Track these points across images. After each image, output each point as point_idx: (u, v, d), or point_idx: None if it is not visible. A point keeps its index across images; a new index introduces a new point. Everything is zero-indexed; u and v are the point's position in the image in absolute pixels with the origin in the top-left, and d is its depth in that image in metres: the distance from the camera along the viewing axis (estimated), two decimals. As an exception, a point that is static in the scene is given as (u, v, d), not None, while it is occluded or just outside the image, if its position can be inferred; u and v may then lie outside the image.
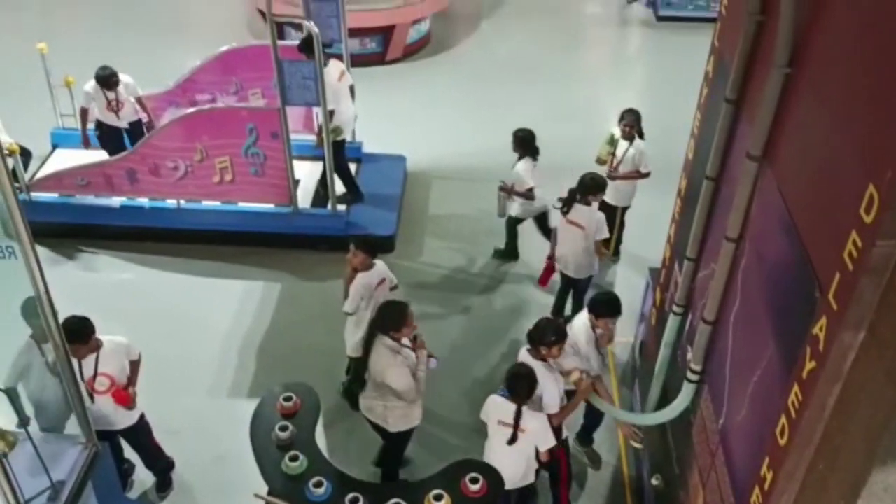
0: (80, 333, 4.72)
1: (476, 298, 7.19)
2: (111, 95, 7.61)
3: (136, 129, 7.89)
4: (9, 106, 7.51)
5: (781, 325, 3.25)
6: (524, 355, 4.82)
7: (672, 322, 4.77)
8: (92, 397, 4.84)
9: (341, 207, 7.65)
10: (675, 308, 4.73)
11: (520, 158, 6.98)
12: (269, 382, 6.16)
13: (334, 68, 7.40)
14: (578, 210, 6.22)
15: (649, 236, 6.46)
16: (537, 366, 4.63)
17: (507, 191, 7.06)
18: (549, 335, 4.68)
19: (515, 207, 7.17)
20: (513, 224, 7.38)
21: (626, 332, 6.67)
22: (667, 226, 5.63)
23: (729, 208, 3.83)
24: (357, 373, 5.21)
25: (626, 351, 6.61)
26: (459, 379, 6.31)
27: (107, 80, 7.52)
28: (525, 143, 6.98)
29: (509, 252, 7.53)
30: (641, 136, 7.12)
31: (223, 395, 6.25)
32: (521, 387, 4.45)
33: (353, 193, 7.98)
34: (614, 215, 7.19)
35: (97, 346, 4.86)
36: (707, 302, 4.11)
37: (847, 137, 2.80)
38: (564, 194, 6.33)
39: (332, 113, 7.15)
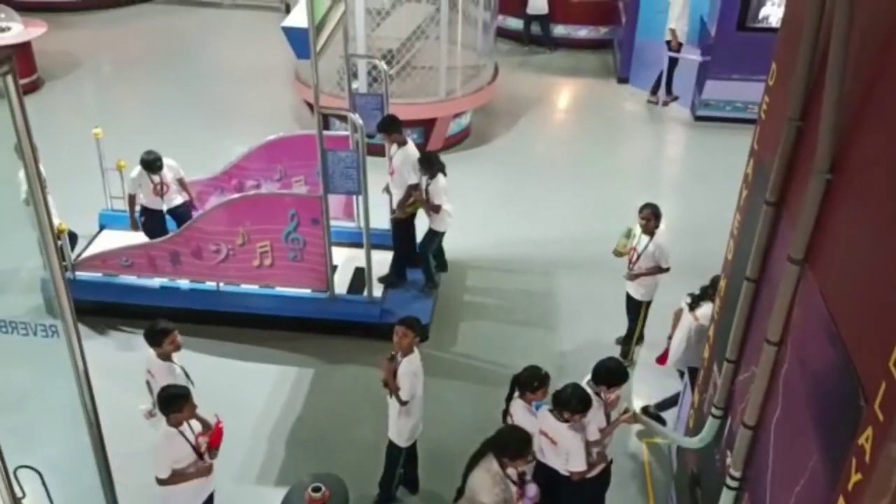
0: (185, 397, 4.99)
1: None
2: (156, 179, 7.84)
3: (180, 212, 8.09)
4: (62, 186, 7.76)
5: (825, 433, 3.16)
6: (544, 414, 5.11)
7: (710, 424, 4.66)
8: (209, 453, 5.06)
9: (377, 294, 7.70)
10: (714, 410, 4.63)
11: (431, 178, 7.48)
12: (298, 471, 6.12)
13: (413, 150, 7.81)
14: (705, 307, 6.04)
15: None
16: (561, 428, 4.98)
17: (421, 201, 7.59)
18: (573, 403, 4.94)
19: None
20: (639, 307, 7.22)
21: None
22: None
23: (770, 310, 3.78)
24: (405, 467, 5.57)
25: (661, 453, 6.46)
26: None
27: (151, 164, 7.77)
28: (431, 163, 7.48)
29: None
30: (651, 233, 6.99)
31: (251, 482, 6.19)
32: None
33: (400, 279, 8.08)
34: (638, 309, 7.14)
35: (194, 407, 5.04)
36: (747, 406, 4.02)
37: (890, 244, 2.78)
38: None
39: (415, 186, 7.70)
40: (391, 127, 7.67)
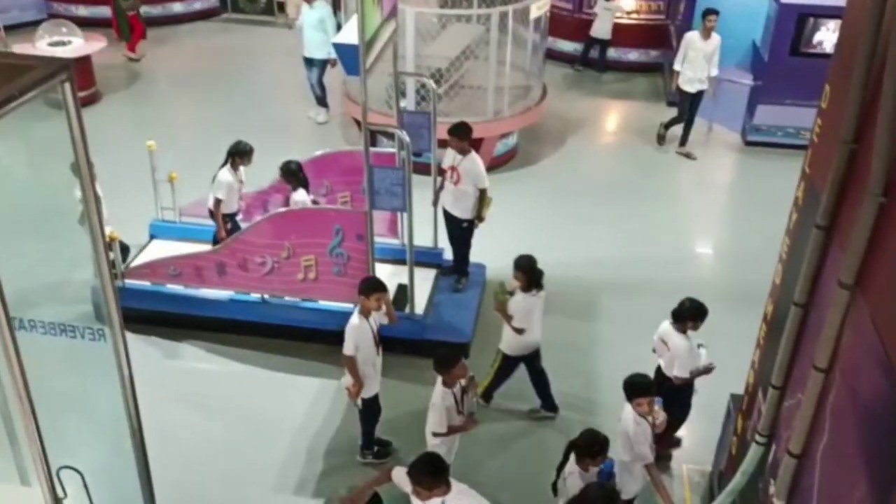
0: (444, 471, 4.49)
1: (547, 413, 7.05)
2: (242, 178, 8.09)
3: (235, 220, 8.25)
4: (115, 197, 7.95)
5: (873, 464, 3.07)
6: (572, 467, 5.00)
7: (754, 451, 4.56)
8: None
9: (419, 311, 7.72)
10: (757, 437, 4.53)
11: (294, 189, 7.73)
12: (334, 484, 6.13)
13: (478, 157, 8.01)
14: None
15: (730, 361, 6.26)
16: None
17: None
18: (595, 447, 4.92)
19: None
20: None
21: (703, 459, 6.41)
22: (747, 350, 5.46)
23: (818, 336, 3.70)
24: None
25: (703, 480, 6.32)
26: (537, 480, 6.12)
27: (249, 153, 8.01)
28: (293, 174, 7.70)
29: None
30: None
31: (288, 492, 6.21)
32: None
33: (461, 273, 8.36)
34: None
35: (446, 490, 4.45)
36: (793, 434, 3.92)
37: (946, 271, 2.70)
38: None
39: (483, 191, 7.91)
40: (460, 131, 7.81)
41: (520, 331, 6.54)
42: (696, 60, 11.17)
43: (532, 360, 6.84)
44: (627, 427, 5.20)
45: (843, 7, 4.28)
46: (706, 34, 11.12)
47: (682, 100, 11.58)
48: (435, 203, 8.20)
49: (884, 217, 3.24)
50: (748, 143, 11.99)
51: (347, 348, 6.00)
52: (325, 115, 12.42)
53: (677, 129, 11.82)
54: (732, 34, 12.77)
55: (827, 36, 11.02)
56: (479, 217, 8.03)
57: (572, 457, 5.03)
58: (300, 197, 7.75)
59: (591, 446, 4.91)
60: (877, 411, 3.13)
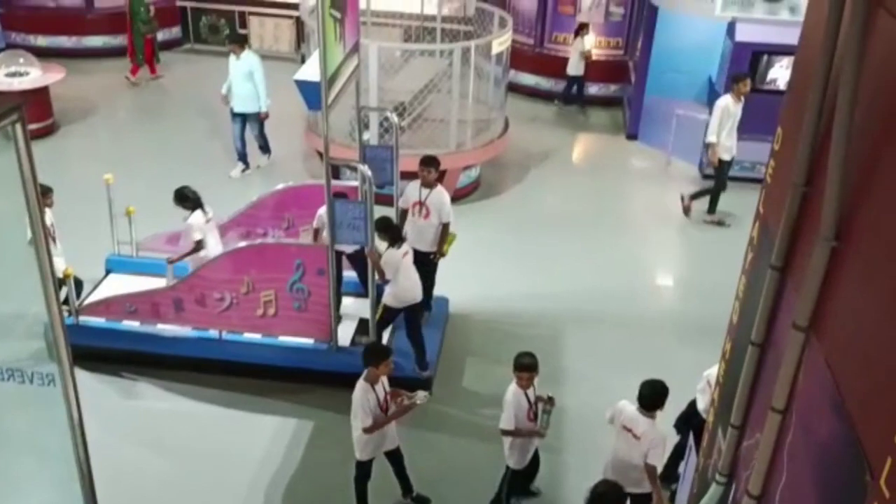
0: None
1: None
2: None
3: None
4: (72, 230, 7.80)
5: (830, 506, 3.08)
6: None
7: (713, 491, 4.55)
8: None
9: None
10: (718, 477, 4.52)
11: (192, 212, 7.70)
12: (293, 526, 6.01)
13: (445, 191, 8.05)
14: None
15: (693, 394, 6.29)
16: None
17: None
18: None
19: None
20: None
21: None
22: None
23: (775, 376, 3.72)
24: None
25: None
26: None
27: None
28: (184, 198, 7.68)
29: None
30: None
31: (245, 536, 6.08)
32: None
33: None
34: None
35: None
36: (752, 474, 3.92)
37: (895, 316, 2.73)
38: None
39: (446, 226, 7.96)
40: (433, 163, 7.85)
41: (386, 280, 7.26)
42: (732, 128, 10.55)
43: (410, 314, 7.40)
44: (507, 395, 5.87)
45: (795, 45, 4.36)
46: (738, 97, 10.44)
47: (721, 171, 10.75)
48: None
49: (836, 260, 3.28)
50: (706, 177, 12.16)
51: (362, 421, 5.78)
52: (238, 172, 11.60)
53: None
54: (689, 70, 13.05)
55: (781, 73, 11.29)
56: (441, 252, 8.02)
57: None
58: (194, 220, 7.69)
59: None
60: (831, 453, 3.15)
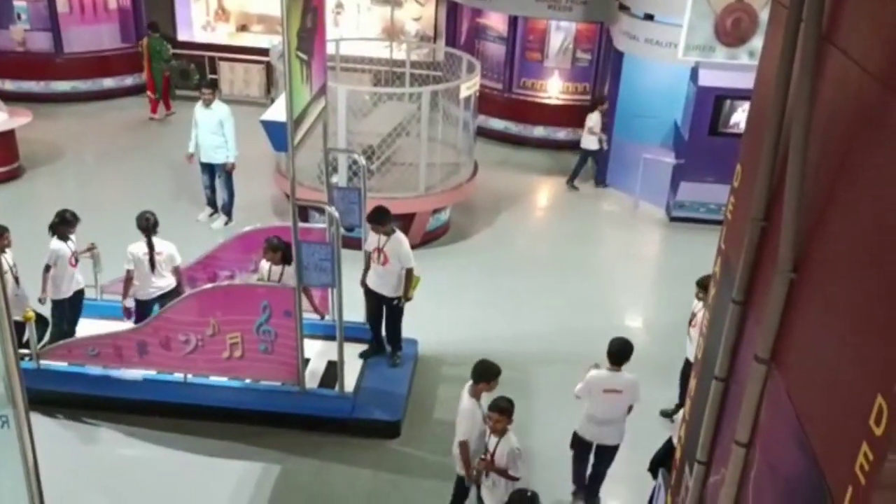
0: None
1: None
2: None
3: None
4: (35, 272, 7.68)
5: (796, 540, 3.07)
6: None
7: (683, 529, 4.52)
8: None
9: (349, 389, 7.58)
10: (686, 514, 4.50)
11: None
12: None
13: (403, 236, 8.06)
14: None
15: (660, 433, 6.29)
16: None
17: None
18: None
19: None
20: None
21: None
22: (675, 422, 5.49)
23: (739, 411, 3.73)
24: None
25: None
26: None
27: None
28: (138, 223, 7.79)
29: None
30: None
31: (208, 585, 5.91)
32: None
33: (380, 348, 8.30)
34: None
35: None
36: (719, 510, 3.91)
37: (854, 346, 2.76)
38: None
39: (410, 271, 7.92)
40: (383, 218, 7.74)
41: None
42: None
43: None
44: (462, 402, 6.01)
45: (753, 88, 4.48)
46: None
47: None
48: (363, 283, 8.11)
49: (795, 292, 3.32)
50: (673, 219, 12.34)
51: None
52: (205, 216, 11.54)
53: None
54: (656, 115, 13.28)
55: (743, 117, 11.53)
56: (407, 297, 8.00)
57: None
58: (130, 248, 7.77)
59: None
60: (795, 485, 3.15)
